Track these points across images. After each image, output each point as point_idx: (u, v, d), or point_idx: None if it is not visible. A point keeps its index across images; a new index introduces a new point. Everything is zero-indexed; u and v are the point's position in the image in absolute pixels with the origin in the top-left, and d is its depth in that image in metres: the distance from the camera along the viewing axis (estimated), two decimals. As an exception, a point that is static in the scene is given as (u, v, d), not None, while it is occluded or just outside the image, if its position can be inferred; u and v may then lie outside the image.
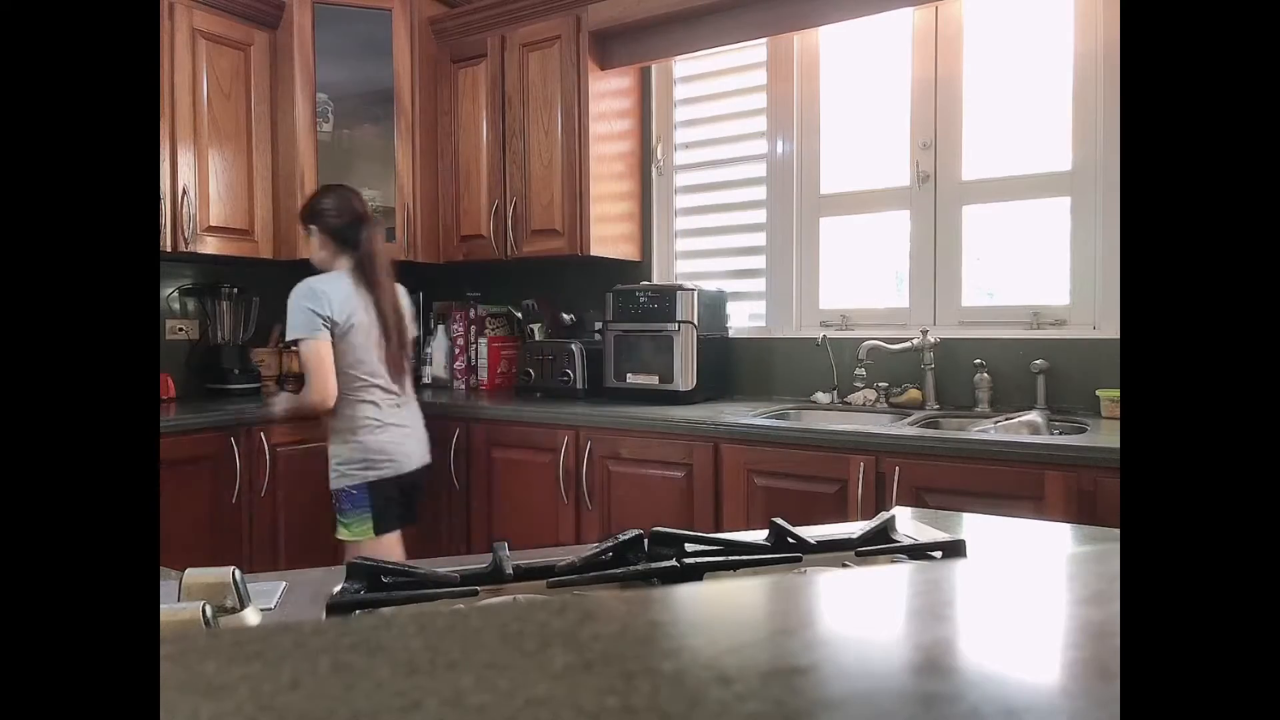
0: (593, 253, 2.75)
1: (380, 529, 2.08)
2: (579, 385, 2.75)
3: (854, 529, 0.92)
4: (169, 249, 2.61)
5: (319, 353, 2.03)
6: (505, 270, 3.18)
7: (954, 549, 0.87)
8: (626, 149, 2.91)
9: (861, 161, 2.64)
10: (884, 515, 0.93)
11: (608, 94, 2.82)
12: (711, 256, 2.94)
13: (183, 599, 0.70)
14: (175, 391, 2.82)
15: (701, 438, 2.16)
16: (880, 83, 2.58)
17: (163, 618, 0.63)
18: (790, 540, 0.87)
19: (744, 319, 2.85)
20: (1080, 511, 1.69)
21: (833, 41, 2.66)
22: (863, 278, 2.67)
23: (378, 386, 2.11)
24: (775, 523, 0.89)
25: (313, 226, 2.16)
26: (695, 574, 0.80)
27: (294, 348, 2.11)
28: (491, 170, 2.93)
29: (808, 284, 2.73)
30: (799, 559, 0.85)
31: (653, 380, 2.55)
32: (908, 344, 2.40)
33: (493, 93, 2.92)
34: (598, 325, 2.82)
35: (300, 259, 2.90)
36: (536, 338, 3.01)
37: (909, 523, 1.03)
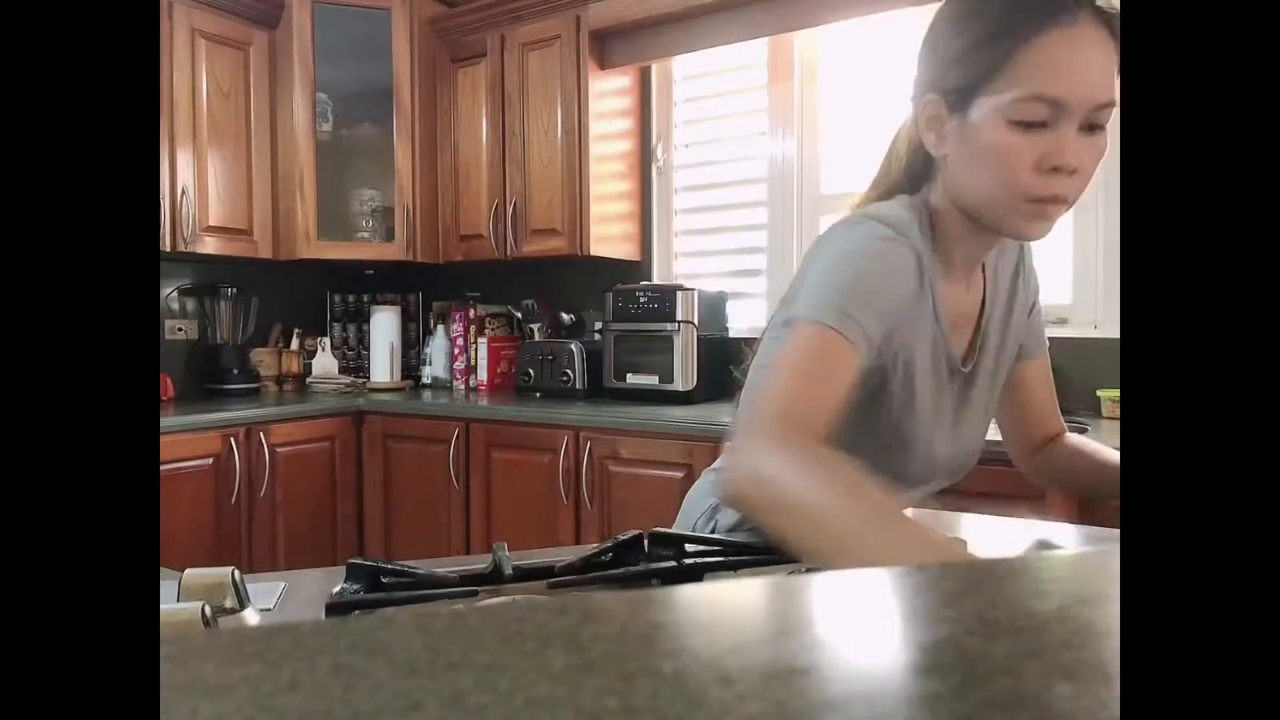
0: (593, 253, 2.75)
1: None
2: (578, 385, 2.74)
3: (854, 529, 0.92)
4: (168, 249, 2.61)
5: (822, 352, 0.81)
6: (505, 270, 3.18)
7: (954, 549, 0.87)
8: (626, 149, 2.91)
9: (862, 161, 2.63)
10: (884, 515, 0.93)
11: (608, 93, 2.81)
12: (711, 256, 2.94)
13: (182, 599, 0.70)
14: (174, 392, 2.82)
15: (701, 438, 2.16)
16: (881, 83, 2.58)
17: (162, 618, 0.63)
18: (790, 540, 0.86)
19: (744, 319, 2.85)
20: (1080, 511, 1.69)
21: (833, 41, 2.66)
22: (862, 278, 2.66)
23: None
24: (775, 523, 0.89)
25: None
26: (695, 574, 0.80)
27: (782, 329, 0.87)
28: (491, 170, 2.93)
29: (807, 284, 2.72)
30: (799, 559, 0.84)
31: (652, 380, 2.55)
32: (907, 344, 2.40)
33: (492, 92, 2.92)
34: (598, 325, 2.82)
35: (299, 259, 2.91)
36: (536, 338, 3.01)
37: (909, 523, 1.03)
